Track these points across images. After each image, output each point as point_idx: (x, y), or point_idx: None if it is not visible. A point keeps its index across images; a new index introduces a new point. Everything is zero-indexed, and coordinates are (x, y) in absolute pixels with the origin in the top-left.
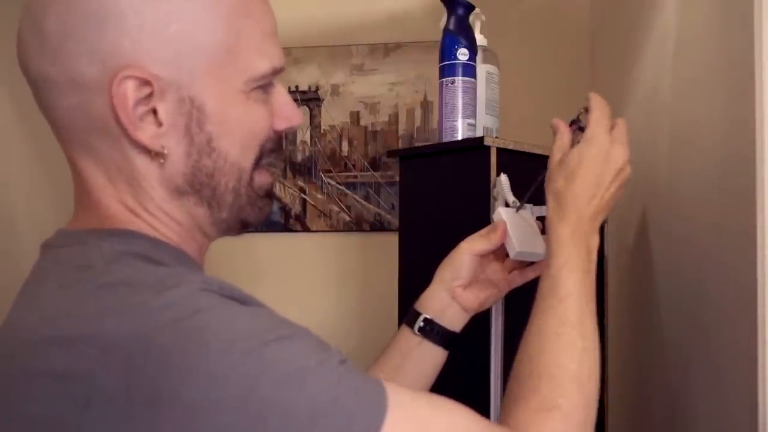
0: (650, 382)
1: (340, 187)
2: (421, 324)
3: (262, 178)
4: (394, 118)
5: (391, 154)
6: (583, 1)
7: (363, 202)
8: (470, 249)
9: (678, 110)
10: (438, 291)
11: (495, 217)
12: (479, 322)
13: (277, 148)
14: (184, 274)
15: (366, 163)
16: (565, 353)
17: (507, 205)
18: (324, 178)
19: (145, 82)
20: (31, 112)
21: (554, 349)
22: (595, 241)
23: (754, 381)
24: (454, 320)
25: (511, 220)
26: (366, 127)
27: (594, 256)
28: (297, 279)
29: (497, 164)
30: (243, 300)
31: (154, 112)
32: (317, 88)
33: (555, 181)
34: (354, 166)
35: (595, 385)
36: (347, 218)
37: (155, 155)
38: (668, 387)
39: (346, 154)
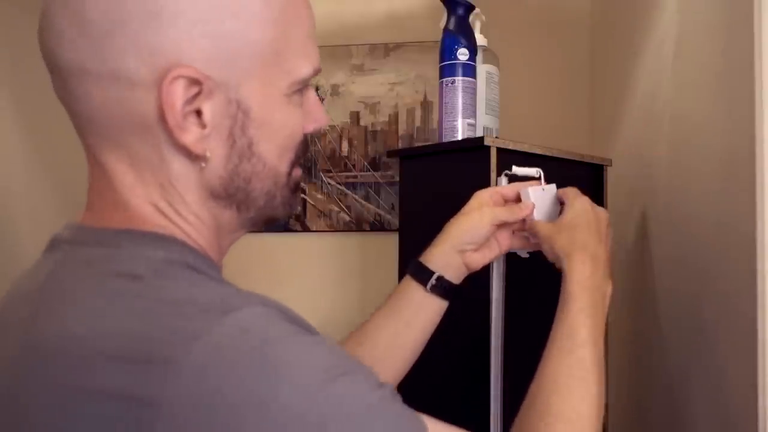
0: (650, 381)
1: (340, 187)
2: (434, 282)
3: (296, 173)
4: (394, 118)
5: (391, 154)
6: (583, 1)
7: (363, 202)
8: (494, 219)
9: (678, 110)
10: (450, 251)
11: (523, 195)
12: (479, 320)
13: (307, 150)
14: (244, 294)
15: (366, 163)
16: (580, 399)
17: (527, 178)
18: (324, 178)
19: (195, 82)
20: (31, 112)
21: (569, 394)
22: (610, 286)
23: (754, 381)
24: (458, 276)
25: (537, 197)
26: (366, 127)
27: (608, 301)
28: (297, 279)
29: (497, 164)
30: (301, 324)
31: (198, 113)
32: (317, 88)
33: (559, 240)
34: (354, 166)
35: (598, 423)
36: (347, 218)
37: (196, 158)
38: (668, 387)
39: (346, 154)
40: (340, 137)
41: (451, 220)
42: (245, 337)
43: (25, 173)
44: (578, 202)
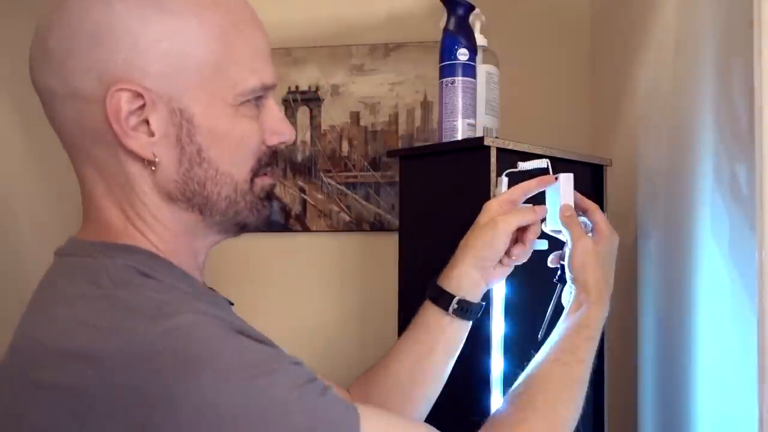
0: (649, 381)
1: (340, 187)
2: (455, 306)
3: (263, 181)
4: (394, 118)
5: (391, 154)
6: (583, 2)
7: (363, 202)
8: (510, 226)
9: (678, 110)
10: (469, 270)
11: (548, 192)
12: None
13: (272, 162)
14: (182, 301)
15: (366, 163)
16: (563, 404)
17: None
18: (324, 178)
19: (137, 95)
20: (31, 114)
21: (557, 397)
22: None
23: (755, 381)
24: (478, 294)
25: (549, 196)
26: (366, 127)
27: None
28: (297, 279)
29: (497, 164)
30: (238, 328)
31: (147, 122)
32: (317, 88)
33: (595, 272)
34: (354, 166)
35: None
36: (347, 218)
37: (147, 163)
38: (668, 387)
39: (346, 154)
40: (340, 137)
41: (466, 237)
42: (169, 337)
43: (26, 176)
44: (614, 235)
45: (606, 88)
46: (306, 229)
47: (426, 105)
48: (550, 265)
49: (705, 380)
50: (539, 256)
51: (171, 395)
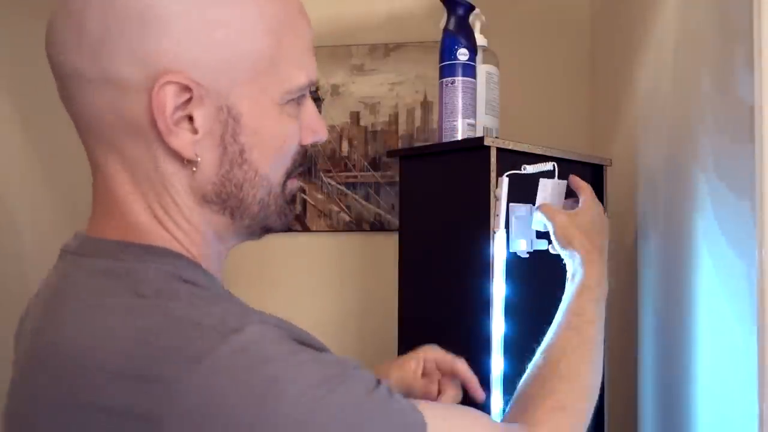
0: (649, 381)
1: (340, 187)
2: None
3: (293, 184)
4: (394, 118)
5: (391, 154)
6: (583, 2)
7: (363, 202)
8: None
9: (678, 110)
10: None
11: (541, 185)
12: (480, 320)
13: (303, 163)
14: (242, 311)
15: (366, 163)
16: (584, 366)
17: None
18: (324, 178)
19: (185, 88)
20: (31, 113)
21: (576, 360)
22: (606, 282)
23: (755, 381)
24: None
25: (550, 188)
26: (366, 127)
27: (607, 289)
28: (297, 279)
29: (497, 164)
30: (297, 337)
31: (190, 118)
32: (317, 88)
33: (578, 237)
34: (354, 166)
35: (595, 399)
36: (347, 218)
37: (187, 162)
38: (668, 387)
39: (346, 154)
40: (340, 137)
41: (387, 366)
42: (244, 356)
43: (25, 175)
44: (596, 203)
45: (606, 88)
46: (306, 229)
47: (426, 105)
48: (552, 251)
49: (705, 380)
50: (539, 256)
51: (252, 421)
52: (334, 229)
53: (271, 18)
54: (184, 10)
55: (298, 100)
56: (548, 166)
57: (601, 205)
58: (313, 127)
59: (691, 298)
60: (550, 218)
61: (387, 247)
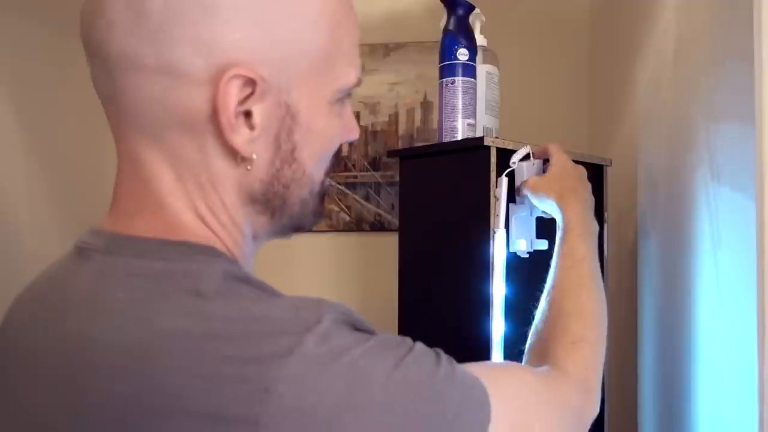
0: (649, 381)
1: (340, 187)
2: None
3: (326, 182)
4: (394, 118)
5: (391, 154)
6: (582, 2)
7: (363, 202)
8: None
9: (678, 110)
10: None
11: (517, 170)
12: (480, 321)
13: (338, 160)
14: (308, 303)
15: (366, 163)
16: (587, 299)
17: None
18: None
19: (250, 82)
20: (31, 113)
21: (578, 296)
22: (597, 226)
23: (755, 381)
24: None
25: (528, 170)
26: (366, 127)
27: (596, 239)
28: (297, 279)
29: (497, 164)
30: (355, 321)
31: (247, 114)
32: None
33: (550, 189)
34: (354, 166)
35: (606, 326)
36: (347, 218)
37: (242, 160)
38: (668, 387)
39: (346, 154)
40: None
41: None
42: (328, 348)
43: (25, 174)
44: (563, 157)
45: (606, 88)
46: None
47: (426, 105)
48: (543, 215)
49: (705, 380)
50: (539, 256)
51: (354, 405)
52: (334, 229)
53: (333, 13)
54: (252, 2)
55: (342, 99)
56: (526, 149)
57: (569, 159)
58: (350, 126)
59: (691, 297)
60: (524, 185)
61: (387, 247)
